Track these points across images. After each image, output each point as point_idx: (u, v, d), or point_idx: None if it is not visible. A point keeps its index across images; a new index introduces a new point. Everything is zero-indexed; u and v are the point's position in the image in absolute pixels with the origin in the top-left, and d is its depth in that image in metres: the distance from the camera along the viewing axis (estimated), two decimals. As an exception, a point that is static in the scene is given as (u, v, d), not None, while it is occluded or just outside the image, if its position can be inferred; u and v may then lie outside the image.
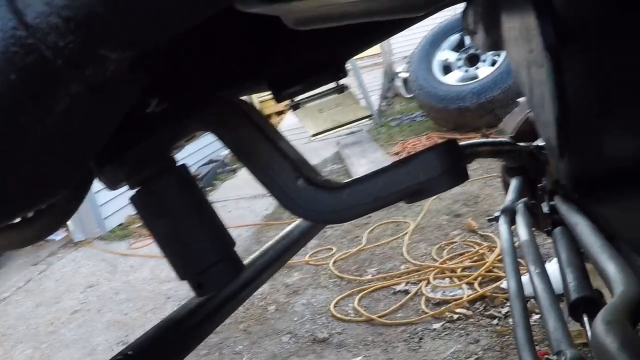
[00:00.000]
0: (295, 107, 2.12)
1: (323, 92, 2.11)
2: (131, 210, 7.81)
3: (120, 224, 8.92)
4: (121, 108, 0.73)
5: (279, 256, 1.54)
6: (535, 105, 0.81)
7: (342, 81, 2.09)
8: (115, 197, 8.76)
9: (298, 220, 1.77)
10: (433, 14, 1.71)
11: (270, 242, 1.59)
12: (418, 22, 1.90)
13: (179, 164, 1.15)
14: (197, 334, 1.22)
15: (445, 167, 0.89)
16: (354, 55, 2.01)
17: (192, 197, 1.11)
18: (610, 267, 1.27)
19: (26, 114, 0.56)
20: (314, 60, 1.89)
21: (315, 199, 0.93)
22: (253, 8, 1.12)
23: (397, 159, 0.95)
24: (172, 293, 5.68)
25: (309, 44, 1.84)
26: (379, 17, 1.49)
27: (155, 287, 6.01)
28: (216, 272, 1.10)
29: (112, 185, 1.16)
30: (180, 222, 1.08)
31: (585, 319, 1.37)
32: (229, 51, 1.68)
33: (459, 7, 1.72)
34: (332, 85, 2.09)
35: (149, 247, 7.51)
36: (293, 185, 0.94)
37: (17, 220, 1.28)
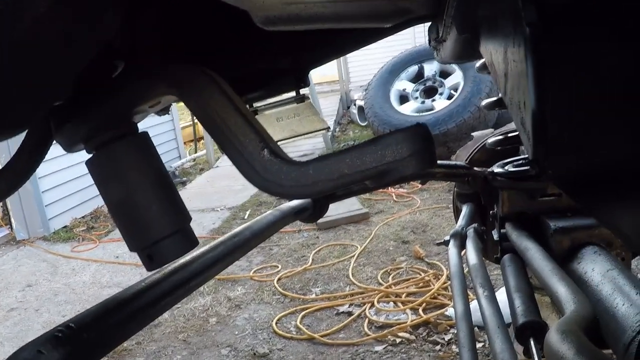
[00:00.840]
0: (253, 113, 2.10)
1: (283, 100, 2.10)
2: (77, 213, 7.72)
3: (64, 226, 8.76)
4: (95, 36, 0.70)
5: (229, 252, 1.51)
6: (509, 89, 0.80)
7: (302, 91, 2.08)
8: (62, 198, 8.65)
9: (249, 222, 1.75)
10: (399, 30, 1.72)
11: (220, 238, 1.56)
12: (383, 37, 1.90)
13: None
14: (141, 317, 1.17)
15: (414, 149, 0.87)
16: (316, 66, 2.00)
17: (150, 166, 1.07)
18: (561, 289, 1.28)
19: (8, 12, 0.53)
20: (276, 66, 1.88)
21: (280, 172, 0.90)
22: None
23: (367, 139, 0.92)
24: (112, 299, 5.55)
25: (272, 48, 1.83)
26: (347, 23, 1.48)
27: (95, 292, 5.88)
28: (168, 245, 1.06)
29: (69, 146, 1.12)
30: (136, 189, 1.04)
31: (532, 343, 1.37)
32: (194, 40, 1.66)
33: (420, 39, 1.73)
34: (292, 94, 2.08)
35: (92, 251, 7.44)
36: (259, 157, 0.91)
37: None
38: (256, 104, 2.08)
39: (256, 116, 2.09)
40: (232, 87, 1.83)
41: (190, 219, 1.13)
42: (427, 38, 1.76)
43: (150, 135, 1.14)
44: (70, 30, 0.64)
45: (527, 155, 1.82)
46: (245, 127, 0.92)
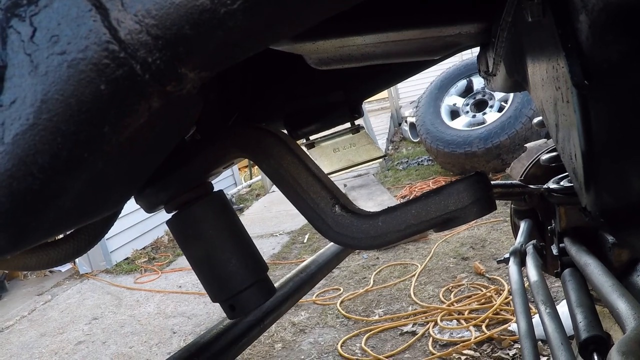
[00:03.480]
0: (310, 145, 2.16)
1: (338, 131, 2.16)
2: (137, 245, 7.84)
3: (126, 258, 8.97)
4: (186, 126, 0.77)
5: (297, 288, 1.57)
6: (560, 139, 0.85)
7: (357, 121, 2.13)
8: (122, 231, 8.82)
9: (315, 255, 1.81)
10: (447, 58, 1.76)
11: (288, 275, 1.62)
12: (432, 66, 1.95)
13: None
14: (222, 359, 1.24)
15: (475, 197, 0.93)
16: (368, 97, 2.06)
17: (227, 222, 1.14)
18: (622, 305, 1.30)
19: (109, 123, 0.60)
20: (329, 100, 1.93)
21: (351, 225, 0.97)
22: (280, 46, 1.17)
23: (429, 189, 0.98)
24: (178, 328, 5.66)
25: (325, 84, 1.89)
26: (397, 59, 1.54)
27: (160, 322, 5.99)
28: (249, 295, 1.13)
29: (149, 208, 1.20)
30: (216, 246, 1.11)
31: (596, 357, 1.39)
32: (249, 88, 1.73)
33: (466, 54, 1.77)
34: (347, 125, 2.14)
35: (154, 282, 7.56)
36: (330, 212, 0.98)
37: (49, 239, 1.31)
38: (312, 137, 2.15)
39: (313, 148, 2.17)
40: (288, 122, 1.90)
41: (267, 268, 1.19)
42: (473, 54, 1.80)
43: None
44: (167, 131, 0.71)
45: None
46: (316, 185, 0.99)
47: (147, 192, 1.16)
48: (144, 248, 9.36)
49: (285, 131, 1.95)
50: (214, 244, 1.11)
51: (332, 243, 1.94)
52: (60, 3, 0.56)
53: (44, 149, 0.58)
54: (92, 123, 0.59)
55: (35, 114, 0.58)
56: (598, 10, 0.59)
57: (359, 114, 2.01)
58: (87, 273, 8.57)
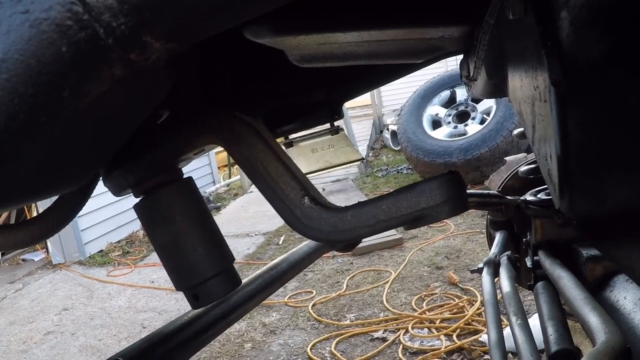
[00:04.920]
0: (288, 144, 2.15)
1: (317, 132, 2.14)
2: (112, 238, 7.82)
3: (100, 251, 8.92)
4: (151, 102, 0.75)
5: (266, 285, 1.55)
6: (536, 140, 0.84)
7: (336, 123, 2.12)
8: (97, 223, 8.79)
9: (286, 254, 1.79)
10: (430, 64, 1.76)
11: (258, 271, 1.60)
12: (415, 70, 1.94)
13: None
14: (184, 350, 1.22)
15: (447, 195, 0.92)
16: (349, 99, 2.05)
17: (195, 209, 1.12)
18: (593, 319, 1.29)
19: (69, 87, 0.58)
20: (310, 100, 1.92)
21: (320, 218, 0.95)
22: (261, 38, 1.16)
23: (401, 186, 0.97)
24: (148, 323, 5.63)
25: (307, 83, 1.88)
26: (380, 60, 1.53)
27: (131, 316, 5.96)
28: (213, 285, 1.11)
29: (117, 191, 1.17)
30: (182, 233, 1.09)
31: (565, 371, 1.39)
32: (230, 82, 1.71)
33: (451, 64, 1.77)
34: (326, 126, 2.12)
35: (127, 275, 7.54)
36: (299, 204, 0.96)
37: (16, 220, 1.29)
38: (291, 136, 2.13)
39: (291, 147, 2.15)
40: (268, 119, 1.89)
41: (233, 259, 1.18)
42: (458, 64, 1.80)
43: (185, 161, 1.19)
44: (131, 104, 0.69)
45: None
46: (286, 175, 0.97)
47: (115, 174, 1.14)
48: (118, 241, 9.32)
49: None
50: (180, 230, 1.09)
51: (305, 242, 1.93)
52: None
53: (1, 110, 0.56)
54: (51, 86, 0.57)
55: None
56: (579, 6, 0.58)
57: (339, 115, 2.00)
58: (60, 263, 8.52)
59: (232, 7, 0.60)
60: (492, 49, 1.12)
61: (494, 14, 0.95)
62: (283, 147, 2.17)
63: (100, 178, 1.23)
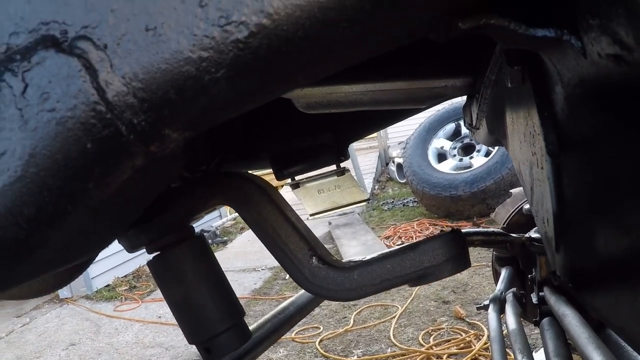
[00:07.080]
0: (295, 185, 2.18)
1: (323, 173, 2.18)
2: (119, 273, 7.77)
3: (107, 285, 8.91)
4: (169, 179, 0.79)
5: (275, 330, 1.58)
6: (534, 202, 0.87)
7: (342, 164, 2.15)
8: (104, 258, 8.77)
9: (294, 296, 1.81)
10: (435, 104, 1.79)
11: (266, 316, 1.63)
12: (419, 112, 1.98)
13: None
14: None
15: (450, 255, 0.96)
16: (356, 140, 2.08)
17: (206, 267, 1.16)
18: (597, 358, 1.32)
19: (94, 180, 0.62)
20: (317, 142, 1.95)
21: (327, 277, 0.98)
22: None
23: (405, 244, 1.00)
24: (155, 359, 5.60)
25: (313, 126, 1.91)
26: (384, 107, 1.57)
27: (138, 352, 5.94)
28: (224, 339, 1.14)
29: (131, 248, 1.21)
30: (193, 289, 1.12)
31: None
32: (236, 129, 1.75)
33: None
34: (332, 167, 2.16)
35: (134, 310, 7.51)
36: (307, 264, 0.99)
37: None
38: (298, 177, 2.16)
39: (298, 189, 2.18)
40: (275, 161, 1.92)
41: (244, 313, 1.21)
42: (463, 98, 1.83)
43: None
44: (150, 184, 0.73)
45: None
46: (295, 236, 1.01)
47: (129, 234, 1.18)
48: (125, 276, 9.29)
49: (271, 170, 1.97)
50: (191, 288, 1.13)
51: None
52: (52, 61, 0.58)
53: (30, 201, 0.60)
54: (77, 179, 0.61)
55: (23, 167, 0.59)
56: (574, 84, 0.61)
57: (345, 156, 2.03)
58: (67, 298, 8.50)
59: (241, 101, 0.64)
60: (493, 105, 1.15)
61: (494, 71, 0.99)
62: (290, 189, 2.20)
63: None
